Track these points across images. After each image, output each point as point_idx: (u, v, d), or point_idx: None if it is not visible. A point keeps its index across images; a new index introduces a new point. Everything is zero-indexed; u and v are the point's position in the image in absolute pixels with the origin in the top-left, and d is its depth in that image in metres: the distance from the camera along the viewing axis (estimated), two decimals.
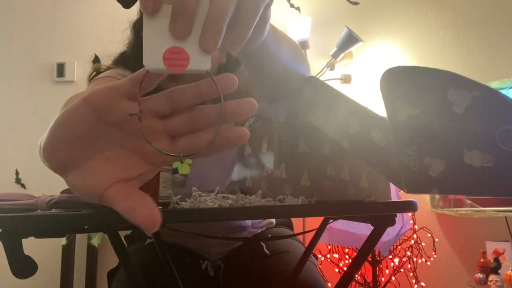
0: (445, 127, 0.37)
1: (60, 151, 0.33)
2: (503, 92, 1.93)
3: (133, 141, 0.33)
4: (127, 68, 0.86)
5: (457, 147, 0.36)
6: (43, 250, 2.16)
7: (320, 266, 2.08)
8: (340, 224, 1.45)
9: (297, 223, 2.07)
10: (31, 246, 0.55)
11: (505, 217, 1.95)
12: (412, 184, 0.39)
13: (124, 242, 1.01)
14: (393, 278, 2.02)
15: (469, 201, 1.90)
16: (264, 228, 0.98)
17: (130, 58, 0.87)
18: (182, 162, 0.32)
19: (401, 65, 0.39)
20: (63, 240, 2.09)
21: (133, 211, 0.31)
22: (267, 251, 0.86)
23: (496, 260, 1.86)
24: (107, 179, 0.32)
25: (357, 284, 2.04)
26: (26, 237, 0.48)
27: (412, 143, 0.38)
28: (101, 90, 0.33)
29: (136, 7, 0.83)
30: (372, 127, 0.43)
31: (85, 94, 0.33)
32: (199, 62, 0.32)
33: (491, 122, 0.35)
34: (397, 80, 0.39)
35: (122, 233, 1.00)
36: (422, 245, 2.09)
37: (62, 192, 0.53)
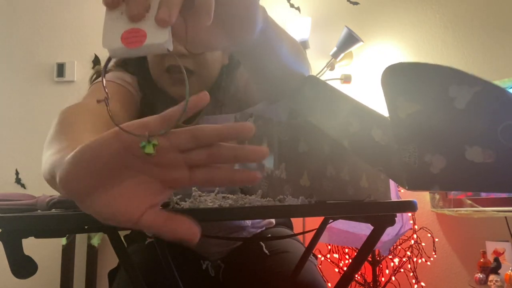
0: (446, 124, 0.36)
1: (83, 181, 0.34)
2: None
3: (156, 170, 0.36)
4: (127, 70, 0.85)
5: (458, 143, 0.36)
6: (43, 250, 2.16)
7: (320, 266, 2.08)
8: (340, 224, 1.45)
9: (297, 223, 2.07)
10: (31, 246, 0.55)
11: (505, 217, 1.95)
12: (413, 181, 0.38)
13: (124, 242, 1.01)
14: (393, 278, 2.02)
15: (469, 201, 1.90)
16: (263, 228, 0.98)
17: (133, 58, 0.86)
18: (149, 142, 0.34)
19: (402, 61, 0.39)
20: (63, 240, 2.09)
21: (177, 232, 0.34)
22: (266, 251, 0.86)
23: (496, 260, 1.86)
24: (140, 205, 0.35)
25: (357, 284, 2.04)
26: (26, 237, 0.48)
27: (413, 140, 0.38)
28: (133, 127, 0.35)
29: None
30: (372, 125, 0.43)
31: (116, 129, 0.35)
32: (156, 35, 0.33)
33: (492, 118, 0.34)
34: (398, 76, 0.38)
35: (122, 233, 1.00)
36: (422, 245, 2.09)
37: None
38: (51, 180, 0.49)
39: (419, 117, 0.38)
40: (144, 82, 0.81)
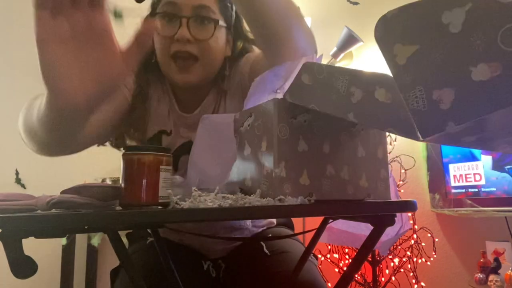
0: (446, 53, 0.35)
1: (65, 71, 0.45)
2: None
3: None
4: None
5: (462, 68, 0.34)
6: (43, 250, 2.16)
7: (320, 266, 2.08)
8: (340, 224, 1.45)
9: (297, 223, 2.07)
10: (31, 246, 0.55)
11: (505, 217, 1.95)
12: (425, 126, 0.37)
13: (126, 240, 1.01)
14: (393, 278, 2.02)
15: (469, 201, 1.90)
16: (265, 227, 0.99)
17: None
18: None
19: (391, 9, 0.38)
20: (63, 240, 2.10)
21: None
22: (267, 251, 0.86)
23: (496, 260, 1.86)
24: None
25: (357, 284, 2.04)
26: (26, 237, 0.48)
27: (417, 82, 0.37)
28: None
29: (147, 3, 0.83)
30: (374, 86, 0.42)
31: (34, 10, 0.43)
32: None
33: (489, 28, 0.33)
34: (390, 24, 0.38)
35: (123, 232, 1.00)
36: (422, 245, 2.09)
37: (62, 192, 0.53)
38: (43, 121, 0.54)
39: (418, 56, 0.37)
40: (141, 75, 0.85)
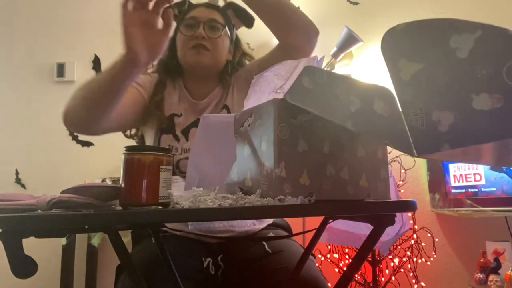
0: (451, 76, 0.35)
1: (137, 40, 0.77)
2: None
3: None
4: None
5: (464, 94, 0.34)
6: (43, 250, 2.16)
7: (320, 266, 2.08)
8: (339, 224, 1.45)
9: (297, 223, 2.07)
10: (31, 246, 0.55)
11: (505, 217, 1.95)
12: (421, 145, 0.37)
13: (131, 240, 1.02)
14: (393, 278, 2.02)
15: (469, 201, 1.90)
16: (265, 225, 1.00)
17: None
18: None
19: (401, 23, 0.38)
20: (63, 240, 2.10)
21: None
22: (269, 250, 0.87)
23: (496, 260, 1.86)
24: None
25: (357, 284, 2.04)
26: (26, 237, 0.48)
27: (418, 101, 0.37)
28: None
29: None
30: (373, 98, 0.42)
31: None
32: None
33: (496, 60, 0.33)
34: (398, 38, 0.38)
35: (127, 232, 1.00)
36: (422, 245, 2.09)
37: (62, 192, 0.53)
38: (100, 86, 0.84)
39: (422, 75, 0.37)
40: (162, 71, 1.15)
